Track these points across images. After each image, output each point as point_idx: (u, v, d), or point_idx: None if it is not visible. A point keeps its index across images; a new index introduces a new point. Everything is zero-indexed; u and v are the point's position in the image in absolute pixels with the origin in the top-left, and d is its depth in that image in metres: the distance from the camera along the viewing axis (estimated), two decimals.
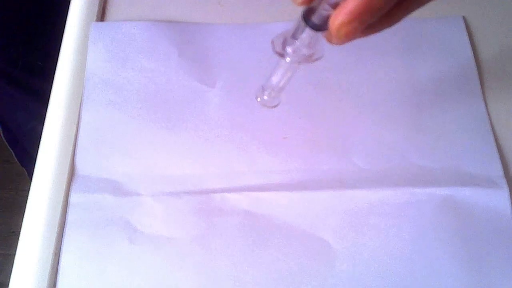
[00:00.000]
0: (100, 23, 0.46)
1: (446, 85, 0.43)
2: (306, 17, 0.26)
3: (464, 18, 0.46)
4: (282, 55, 0.29)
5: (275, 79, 0.32)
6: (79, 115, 0.42)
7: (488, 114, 0.42)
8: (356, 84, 0.43)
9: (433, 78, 0.44)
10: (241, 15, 0.47)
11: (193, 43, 0.45)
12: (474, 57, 0.44)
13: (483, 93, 0.43)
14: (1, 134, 0.75)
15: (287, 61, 0.29)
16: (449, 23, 0.46)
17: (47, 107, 0.42)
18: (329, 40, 0.26)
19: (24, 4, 0.63)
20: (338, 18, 0.24)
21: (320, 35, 0.27)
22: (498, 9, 0.47)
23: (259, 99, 0.34)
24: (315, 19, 0.26)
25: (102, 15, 0.47)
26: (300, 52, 0.28)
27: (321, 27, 0.26)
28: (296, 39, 0.28)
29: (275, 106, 0.34)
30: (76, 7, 0.47)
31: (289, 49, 0.28)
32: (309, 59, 0.29)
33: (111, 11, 0.48)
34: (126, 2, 0.48)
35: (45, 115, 0.42)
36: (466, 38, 0.45)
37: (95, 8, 0.47)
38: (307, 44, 0.28)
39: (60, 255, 0.36)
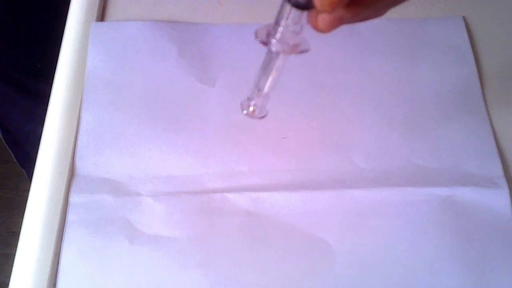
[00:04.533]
0: (100, 23, 0.46)
1: (446, 85, 0.43)
2: None
3: (464, 18, 0.46)
4: (265, 43, 0.28)
5: (260, 81, 0.31)
6: (79, 115, 0.42)
7: (488, 114, 0.42)
8: (356, 84, 0.43)
9: (433, 78, 0.44)
10: (241, 15, 0.47)
11: (193, 43, 0.45)
12: (474, 57, 0.44)
13: (483, 93, 0.43)
14: (0, 136, 0.75)
15: (273, 50, 0.28)
16: (449, 23, 0.46)
17: (47, 109, 0.42)
18: (314, 25, 0.26)
19: (24, 6, 0.63)
20: None
21: (304, 21, 0.26)
22: (498, 9, 0.47)
23: (245, 111, 0.33)
24: None
25: (102, 15, 0.47)
26: (285, 40, 0.28)
27: (305, 5, 0.25)
28: (280, 25, 0.27)
29: (262, 117, 0.33)
30: (76, 7, 0.47)
31: (273, 38, 0.28)
32: (295, 49, 0.28)
33: (111, 11, 0.48)
34: (126, 2, 0.48)
35: (45, 117, 0.42)
36: (466, 38, 0.45)
37: (95, 8, 0.47)
38: (291, 30, 0.27)
39: (60, 255, 0.36)
